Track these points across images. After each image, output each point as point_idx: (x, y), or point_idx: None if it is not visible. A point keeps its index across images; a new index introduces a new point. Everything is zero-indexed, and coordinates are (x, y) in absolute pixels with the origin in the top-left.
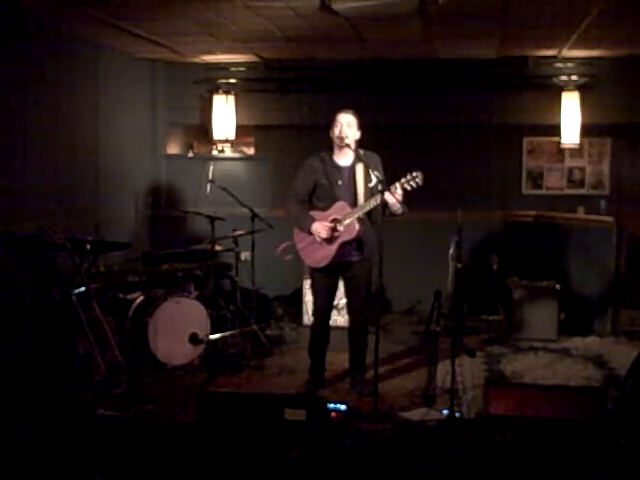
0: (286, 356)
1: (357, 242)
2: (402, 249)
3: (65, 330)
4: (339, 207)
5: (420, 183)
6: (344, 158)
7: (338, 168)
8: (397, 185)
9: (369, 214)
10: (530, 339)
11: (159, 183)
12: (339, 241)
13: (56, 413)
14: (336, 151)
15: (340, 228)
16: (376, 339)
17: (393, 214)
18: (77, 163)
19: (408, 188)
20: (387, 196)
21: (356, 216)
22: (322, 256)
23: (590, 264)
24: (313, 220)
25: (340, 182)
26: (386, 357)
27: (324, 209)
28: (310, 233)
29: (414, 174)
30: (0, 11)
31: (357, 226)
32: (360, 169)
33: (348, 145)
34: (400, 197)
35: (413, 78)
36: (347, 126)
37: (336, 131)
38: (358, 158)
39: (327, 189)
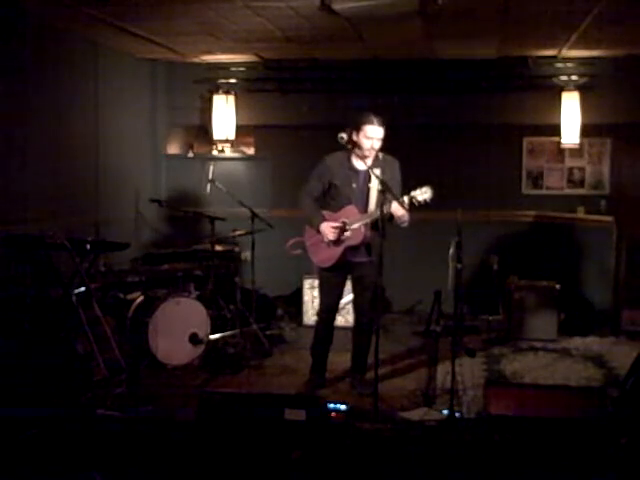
0: (286, 356)
1: (365, 246)
2: (402, 249)
3: (65, 330)
4: (348, 211)
5: (428, 200)
6: (362, 162)
7: (355, 171)
8: (405, 199)
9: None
10: (530, 339)
11: (159, 183)
12: (345, 245)
13: (56, 413)
14: (357, 154)
15: (347, 232)
16: (376, 339)
17: (398, 225)
18: (77, 163)
19: (416, 204)
20: (395, 208)
21: (364, 222)
22: (327, 256)
23: (590, 264)
24: (323, 219)
25: (354, 185)
26: (386, 357)
27: (335, 210)
28: (319, 231)
29: (424, 189)
30: (0, 11)
31: (363, 232)
32: (376, 173)
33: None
34: (407, 209)
35: (413, 78)
36: (378, 140)
37: (367, 144)
38: (376, 163)
39: (340, 190)
